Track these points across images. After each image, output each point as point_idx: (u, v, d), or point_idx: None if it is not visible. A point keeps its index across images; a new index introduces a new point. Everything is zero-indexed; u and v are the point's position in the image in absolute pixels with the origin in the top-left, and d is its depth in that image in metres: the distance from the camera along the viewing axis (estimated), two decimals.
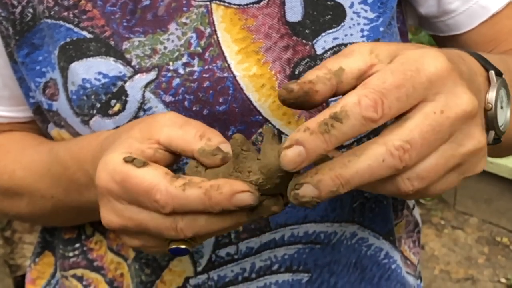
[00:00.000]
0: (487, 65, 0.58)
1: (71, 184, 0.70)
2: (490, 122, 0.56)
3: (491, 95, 0.55)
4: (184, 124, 0.55)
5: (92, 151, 0.64)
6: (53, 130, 0.75)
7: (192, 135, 0.54)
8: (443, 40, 0.80)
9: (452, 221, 3.22)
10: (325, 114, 0.44)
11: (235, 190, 0.48)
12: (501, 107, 0.57)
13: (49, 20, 0.68)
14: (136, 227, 0.53)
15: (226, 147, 0.53)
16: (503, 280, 2.84)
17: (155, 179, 0.50)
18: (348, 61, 0.50)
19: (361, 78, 0.49)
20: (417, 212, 0.95)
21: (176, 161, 0.57)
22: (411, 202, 0.92)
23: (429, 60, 0.46)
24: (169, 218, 0.50)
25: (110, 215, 0.54)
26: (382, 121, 0.44)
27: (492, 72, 0.57)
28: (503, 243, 3.05)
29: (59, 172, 0.71)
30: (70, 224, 0.80)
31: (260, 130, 0.66)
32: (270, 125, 0.66)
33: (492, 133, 0.57)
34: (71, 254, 0.80)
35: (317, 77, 0.48)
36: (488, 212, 3.17)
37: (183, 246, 0.53)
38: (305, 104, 0.48)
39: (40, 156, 0.74)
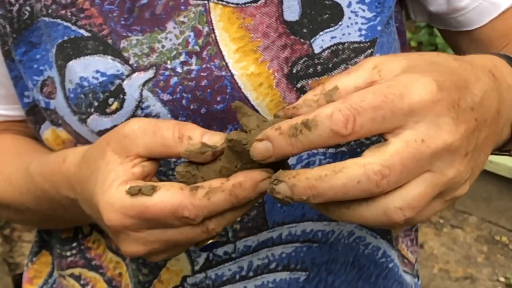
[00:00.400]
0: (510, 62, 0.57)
1: (53, 204, 0.70)
2: None
3: None
4: (155, 129, 0.54)
5: (65, 178, 0.64)
6: (46, 131, 0.75)
7: (170, 138, 0.53)
8: (455, 35, 0.79)
9: (451, 220, 3.22)
10: (298, 119, 0.45)
11: (256, 181, 0.50)
12: None
13: (46, 19, 0.68)
14: (164, 245, 0.54)
15: (210, 138, 0.53)
16: (502, 279, 2.84)
17: (174, 198, 0.50)
18: (347, 78, 0.51)
19: None
20: None
21: (159, 165, 0.57)
22: None
23: (417, 87, 0.45)
24: (199, 226, 0.52)
25: (133, 247, 0.54)
26: (352, 138, 0.44)
27: None
28: (502, 242, 3.05)
29: (38, 194, 0.71)
30: (66, 227, 0.80)
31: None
32: None
33: None
34: (68, 253, 0.80)
35: (304, 101, 0.50)
36: (487, 211, 3.17)
37: (212, 241, 0.55)
38: None
39: (19, 173, 0.74)
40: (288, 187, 0.46)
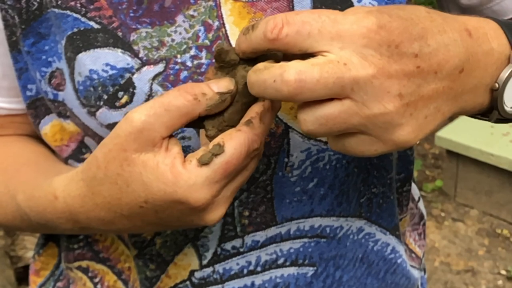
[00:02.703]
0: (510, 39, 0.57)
1: (56, 231, 0.69)
2: (494, 102, 0.56)
3: (503, 75, 0.55)
4: (165, 105, 0.53)
5: (64, 213, 0.62)
6: (46, 126, 0.74)
7: (186, 105, 0.53)
8: None
9: (453, 213, 3.23)
10: (252, 23, 0.50)
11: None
12: None
13: (56, 10, 0.67)
14: (234, 193, 0.57)
15: (220, 86, 0.54)
16: (503, 272, 2.84)
17: (242, 140, 0.53)
18: None
19: None
20: (422, 204, 0.95)
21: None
22: (416, 195, 0.92)
23: (352, 18, 0.47)
24: (256, 155, 0.56)
25: (218, 212, 0.56)
26: (278, 45, 0.48)
27: None
28: (503, 235, 3.05)
29: (34, 225, 0.70)
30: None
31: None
32: (277, 120, 0.65)
33: (496, 113, 0.57)
34: (75, 246, 0.80)
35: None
36: (489, 204, 3.17)
37: None
38: None
39: (7, 198, 0.72)
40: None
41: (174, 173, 0.52)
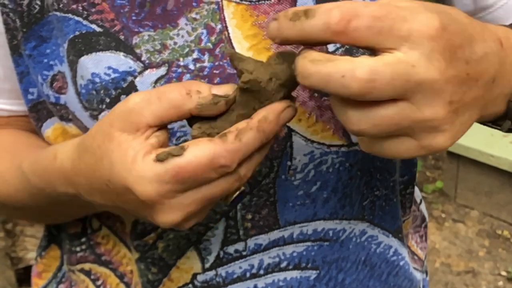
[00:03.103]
0: None
1: (52, 200, 0.69)
2: (510, 112, 0.56)
3: None
4: (159, 95, 0.53)
5: (60, 174, 0.62)
6: (48, 129, 0.74)
7: (178, 98, 0.52)
8: None
9: (453, 214, 3.22)
10: (302, 8, 0.46)
11: (278, 111, 0.51)
12: None
13: (58, 13, 0.67)
14: (199, 205, 0.53)
15: (219, 90, 0.53)
16: (503, 273, 2.84)
17: (207, 150, 0.50)
18: None
19: None
20: (424, 207, 0.95)
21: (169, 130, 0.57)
22: (418, 197, 0.92)
23: (422, 18, 0.45)
24: (232, 175, 0.52)
25: (170, 215, 0.53)
26: (343, 38, 0.45)
27: None
28: (504, 236, 3.05)
29: (34, 192, 0.70)
30: (69, 220, 0.80)
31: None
32: None
33: (508, 123, 0.57)
34: (78, 248, 0.80)
35: None
36: (489, 205, 3.17)
37: (241, 190, 0.56)
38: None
39: (12, 171, 0.73)
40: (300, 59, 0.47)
41: (133, 161, 0.52)
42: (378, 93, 0.45)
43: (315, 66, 0.45)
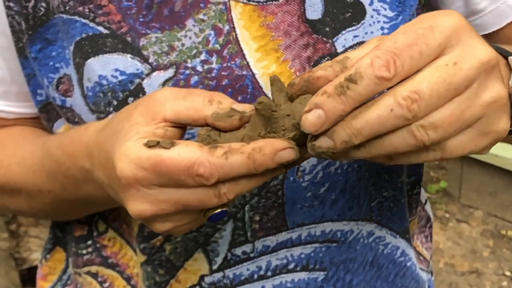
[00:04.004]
0: (504, 53, 0.57)
1: (66, 179, 0.69)
2: None
3: None
4: (187, 94, 0.54)
5: (84, 146, 0.63)
6: (59, 129, 0.74)
7: (200, 102, 0.53)
8: None
9: (457, 214, 3.22)
10: (340, 78, 0.46)
11: (277, 148, 0.49)
12: None
13: (64, 15, 0.67)
14: (173, 207, 0.52)
15: (239, 106, 0.53)
16: (508, 273, 2.84)
17: (192, 154, 0.49)
18: (356, 51, 0.51)
19: None
20: (429, 207, 0.94)
21: (183, 135, 0.56)
22: (423, 197, 0.92)
23: (442, 17, 0.47)
24: (211, 188, 0.51)
25: (141, 205, 0.52)
26: (396, 80, 0.45)
27: (511, 58, 0.56)
28: (508, 236, 3.05)
29: (53, 168, 0.70)
30: (73, 218, 0.80)
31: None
32: None
33: None
34: (84, 251, 0.80)
35: (318, 67, 0.50)
36: (493, 205, 3.16)
37: (220, 210, 0.54)
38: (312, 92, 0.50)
39: (34, 150, 0.73)
40: (327, 137, 0.47)
41: (128, 139, 0.52)
42: (426, 105, 0.45)
43: (360, 118, 0.46)
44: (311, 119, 0.46)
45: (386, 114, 0.45)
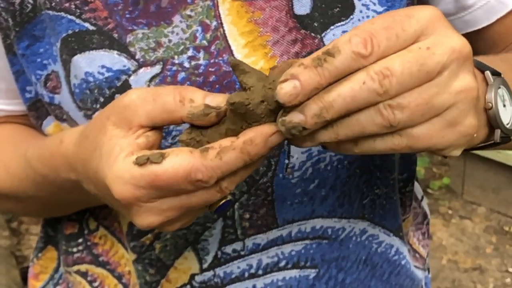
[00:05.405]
0: (481, 67, 0.58)
1: (54, 188, 0.69)
2: (494, 121, 0.56)
3: (489, 95, 0.56)
4: (155, 96, 0.52)
5: (64, 159, 0.62)
6: (49, 127, 0.74)
7: (171, 103, 0.52)
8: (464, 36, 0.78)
9: (460, 210, 3.21)
10: (318, 52, 0.46)
11: (267, 135, 0.49)
12: (504, 106, 0.57)
13: (50, 12, 0.66)
14: (178, 212, 0.53)
15: (213, 100, 0.52)
16: (511, 269, 2.83)
17: (186, 162, 0.49)
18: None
19: None
20: (425, 203, 0.94)
21: (162, 132, 0.56)
22: (419, 194, 0.91)
23: (419, 8, 0.48)
24: (212, 187, 0.51)
25: (147, 218, 0.53)
26: (372, 58, 0.45)
27: (487, 72, 0.57)
28: (511, 233, 3.04)
29: (38, 179, 0.70)
30: (69, 213, 0.79)
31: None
32: None
33: (498, 131, 0.57)
34: (74, 249, 0.79)
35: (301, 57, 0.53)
36: (496, 201, 3.15)
37: (224, 201, 0.55)
38: None
39: (17, 160, 0.73)
40: (298, 110, 0.46)
41: (115, 159, 0.52)
42: (398, 82, 0.46)
43: (333, 91, 0.46)
44: (286, 89, 0.45)
45: (358, 88, 0.45)
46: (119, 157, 0.51)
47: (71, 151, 0.61)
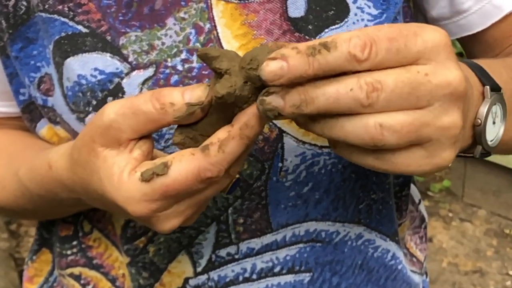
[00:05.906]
0: (484, 79, 0.57)
1: (54, 202, 0.68)
2: (478, 138, 0.56)
3: (482, 110, 0.55)
4: (133, 109, 0.51)
5: (59, 183, 0.62)
6: (42, 129, 0.73)
7: (153, 112, 0.50)
8: (459, 40, 0.78)
9: (460, 213, 3.20)
10: (315, 41, 0.45)
11: (259, 115, 0.49)
12: (494, 123, 0.56)
13: (43, 14, 0.66)
14: (195, 208, 0.54)
15: (192, 96, 0.50)
16: (511, 272, 2.82)
17: (191, 166, 0.49)
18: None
19: None
20: (422, 207, 0.93)
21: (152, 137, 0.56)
22: (416, 197, 0.91)
23: (429, 30, 0.46)
24: (222, 178, 0.52)
25: (169, 223, 0.53)
26: (366, 65, 0.44)
27: (487, 88, 0.56)
28: None
29: (34, 198, 0.70)
30: (73, 213, 0.79)
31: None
32: (271, 124, 0.64)
33: (480, 147, 0.57)
34: (68, 252, 0.79)
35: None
36: (497, 204, 3.15)
37: (235, 179, 0.56)
38: None
39: (9, 177, 0.72)
40: (279, 95, 0.45)
41: (119, 180, 0.51)
42: (385, 98, 0.44)
43: (318, 88, 0.45)
44: (272, 67, 0.44)
45: (344, 92, 0.44)
46: (122, 177, 0.51)
47: (65, 177, 0.60)
